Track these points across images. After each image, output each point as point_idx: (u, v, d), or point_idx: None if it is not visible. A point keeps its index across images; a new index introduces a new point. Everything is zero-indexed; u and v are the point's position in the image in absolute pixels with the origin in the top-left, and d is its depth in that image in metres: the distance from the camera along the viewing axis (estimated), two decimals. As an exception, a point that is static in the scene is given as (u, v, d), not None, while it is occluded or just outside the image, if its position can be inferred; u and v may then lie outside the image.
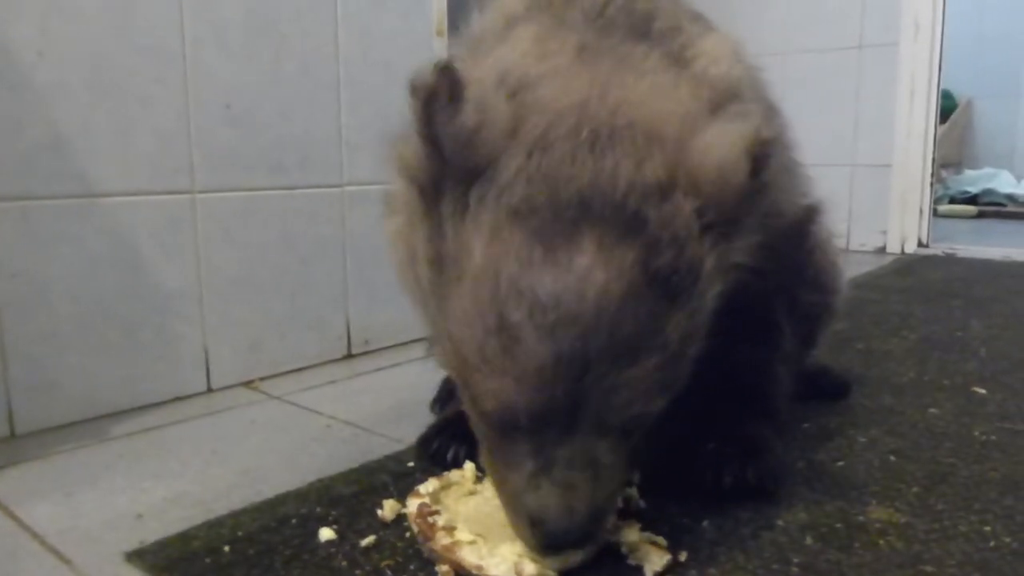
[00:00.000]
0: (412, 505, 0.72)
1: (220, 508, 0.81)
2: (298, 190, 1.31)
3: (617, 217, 0.57)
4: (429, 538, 0.67)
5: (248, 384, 1.25)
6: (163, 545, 0.73)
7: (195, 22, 1.15)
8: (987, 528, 0.74)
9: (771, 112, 0.83)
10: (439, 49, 1.50)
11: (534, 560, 0.63)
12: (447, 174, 0.60)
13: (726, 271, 0.64)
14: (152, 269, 1.14)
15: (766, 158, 0.61)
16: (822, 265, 0.99)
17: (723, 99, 0.68)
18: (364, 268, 1.42)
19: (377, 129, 1.42)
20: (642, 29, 0.73)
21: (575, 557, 0.64)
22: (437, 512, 0.70)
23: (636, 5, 0.76)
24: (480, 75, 0.62)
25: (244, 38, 1.21)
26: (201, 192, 1.18)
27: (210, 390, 1.22)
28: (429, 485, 0.76)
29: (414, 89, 0.58)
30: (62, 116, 1.03)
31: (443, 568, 0.66)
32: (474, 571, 0.64)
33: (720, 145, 0.60)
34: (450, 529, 0.67)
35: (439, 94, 0.57)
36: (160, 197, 1.14)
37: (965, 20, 4.30)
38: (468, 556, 0.65)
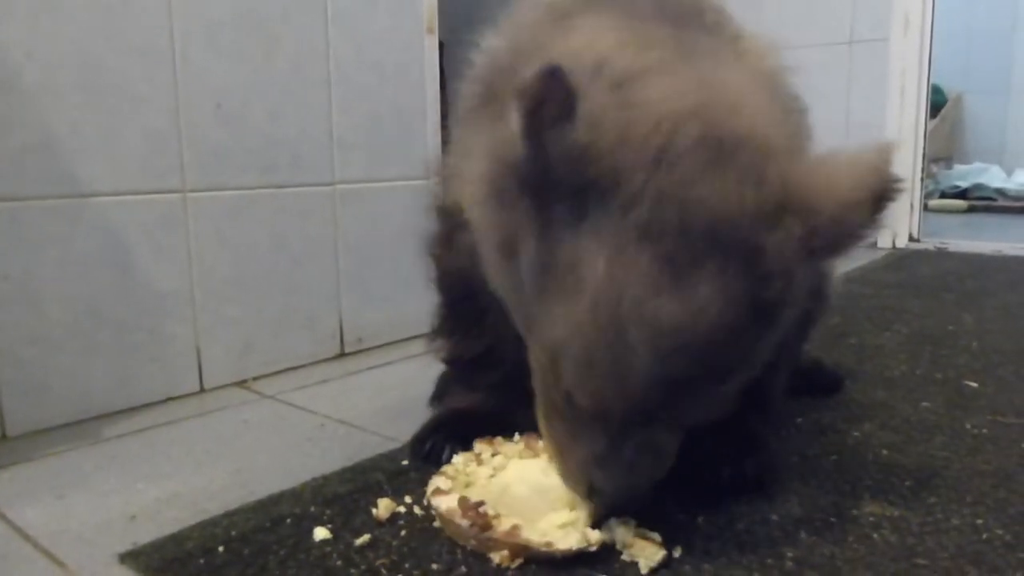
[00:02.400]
0: (443, 503, 0.71)
1: (214, 508, 0.80)
2: (289, 189, 1.30)
3: (739, 246, 0.57)
4: (486, 527, 0.67)
5: (241, 384, 1.25)
6: (157, 546, 0.73)
7: (185, 22, 1.14)
8: (980, 521, 0.75)
9: (803, 112, 0.79)
10: (430, 47, 1.50)
11: (590, 528, 0.68)
12: (560, 181, 0.58)
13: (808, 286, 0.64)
14: (143, 269, 1.13)
15: (890, 202, 0.59)
16: (816, 268, 0.99)
17: (778, 92, 0.68)
18: (356, 267, 1.41)
19: (369, 128, 1.43)
20: (700, 21, 0.72)
21: (596, 534, 0.68)
22: (482, 502, 0.70)
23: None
24: (580, 76, 0.57)
25: (234, 37, 1.20)
26: (192, 191, 1.18)
27: (203, 390, 1.21)
28: (445, 481, 0.76)
29: (521, 94, 0.56)
30: (51, 117, 1.03)
31: (502, 554, 0.66)
32: (543, 549, 0.65)
33: (847, 179, 0.58)
34: (496, 516, 0.68)
35: (549, 104, 0.55)
36: (151, 197, 1.13)
37: (955, 15, 4.31)
38: (533, 537, 0.66)
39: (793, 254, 0.58)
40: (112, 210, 1.09)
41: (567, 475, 0.69)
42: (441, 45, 1.55)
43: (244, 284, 1.25)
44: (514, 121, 0.57)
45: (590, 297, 0.58)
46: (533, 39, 0.71)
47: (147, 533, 0.76)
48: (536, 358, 0.68)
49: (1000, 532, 0.72)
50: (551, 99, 0.55)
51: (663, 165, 0.57)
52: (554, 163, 0.57)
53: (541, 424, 0.72)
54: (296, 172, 1.31)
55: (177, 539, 0.74)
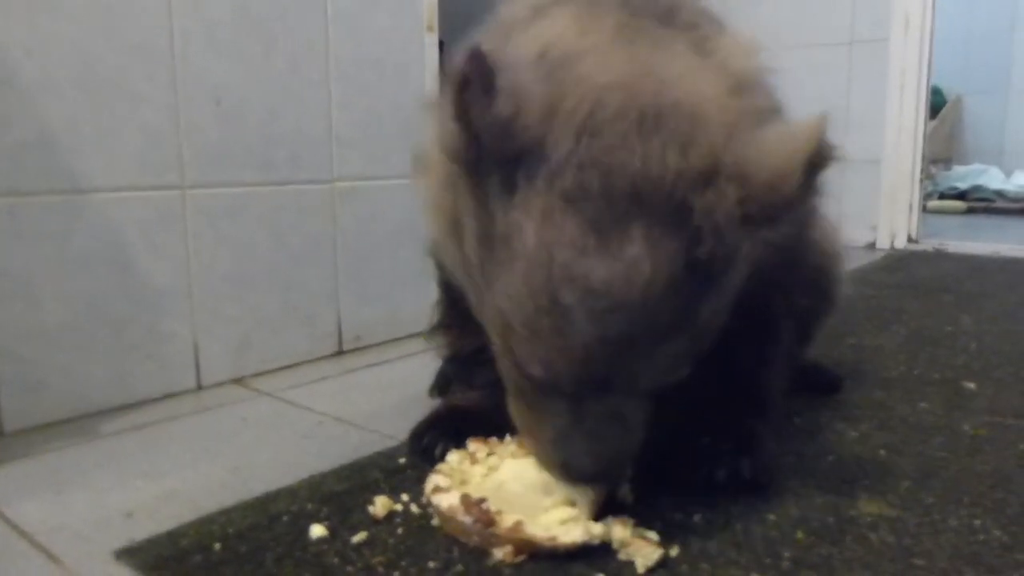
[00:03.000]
0: (444, 501, 0.72)
1: (211, 506, 0.80)
2: (288, 186, 1.30)
3: (665, 207, 0.59)
4: (490, 523, 0.68)
5: (239, 381, 1.25)
6: (153, 543, 0.73)
7: (184, 19, 1.14)
8: (977, 521, 0.75)
9: (779, 112, 0.82)
10: (430, 45, 1.50)
11: (592, 520, 0.69)
12: (489, 157, 0.61)
13: (756, 257, 0.65)
14: (141, 266, 1.13)
15: (822, 172, 0.62)
16: (819, 267, 1.00)
17: (742, 89, 0.69)
18: (355, 264, 1.41)
19: (368, 125, 1.43)
20: (667, 18, 0.74)
21: (598, 528, 0.69)
22: (484, 499, 0.70)
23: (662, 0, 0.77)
24: (514, 56, 0.63)
25: (233, 35, 1.20)
26: (191, 188, 1.17)
27: (200, 387, 1.21)
28: (444, 479, 0.76)
29: (447, 76, 0.60)
30: (50, 113, 1.02)
31: (505, 550, 0.67)
32: (547, 543, 0.66)
33: (781, 147, 0.61)
34: (498, 512, 0.69)
35: (472, 81, 0.58)
36: (149, 193, 1.13)
37: (955, 17, 4.32)
38: (538, 532, 0.67)
39: (725, 217, 0.60)
40: (110, 206, 1.09)
41: (539, 455, 0.71)
42: (441, 44, 1.55)
43: (242, 281, 1.25)
44: (447, 104, 0.61)
45: (524, 264, 0.60)
46: (507, 36, 0.73)
47: (144, 530, 0.75)
48: (493, 340, 0.69)
49: (998, 533, 0.72)
50: (474, 77, 0.58)
51: (586, 134, 0.59)
52: (481, 137, 0.60)
53: (511, 409, 0.73)
54: (295, 169, 1.31)
55: (174, 536, 0.74)
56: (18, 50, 0.99)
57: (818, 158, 0.60)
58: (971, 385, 1.17)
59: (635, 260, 0.58)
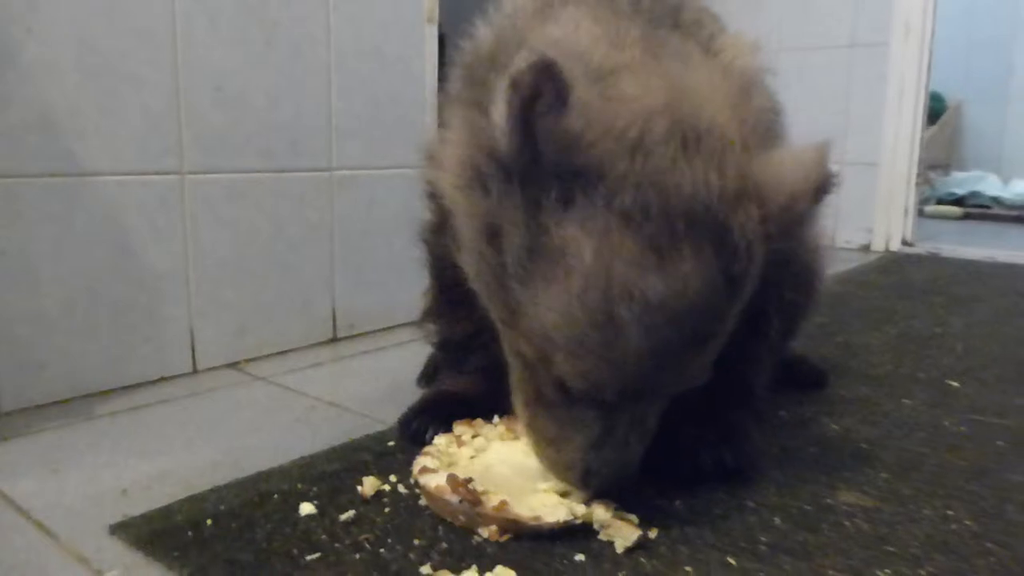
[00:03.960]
0: (431, 481, 0.73)
1: (203, 485, 0.82)
2: (287, 174, 1.32)
3: (710, 226, 0.63)
4: (476, 503, 0.69)
5: (234, 366, 1.26)
6: (146, 519, 0.74)
7: (186, 5, 1.15)
8: (951, 512, 0.76)
9: (777, 112, 0.86)
10: (430, 37, 1.51)
11: (579, 502, 0.71)
12: (547, 170, 0.62)
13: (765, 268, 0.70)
14: (140, 250, 1.15)
15: (828, 193, 0.68)
16: (807, 265, 1.01)
17: (748, 91, 0.73)
18: (351, 253, 1.43)
19: (367, 115, 1.44)
20: (675, 20, 0.77)
21: (581, 508, 0.71)
22: (471, 479, 0.72)
23: None
24: (569, 70, 0.62)
25: (235, 21, 1.22)
26: (190, 173, 1.19)
27: (196, 371, 1.23)
28: (432, 460, 0.77)
29: (515, 85, 0.59)
30: (50, 94, 1.04)
31: (491, 529, 0.69)
32: (531, 524, 0.68)
33: (793, 172, 0.67)
34: (484, 492, 0.71)
35: (544, 93, 0.59)
36: (149, 177, 1.15)
37: (956, 24, 4.33)
38: (523, 512, 0.69)
39: (753, 234, 0.65)
40: (110, 190, 1.11)
41: (559, 464, 0.72)
42: (443, 37, 1.56)
43: (239, 267, 1.27)
44: (502, 110, 0.61)
45: (580, 280, 0.62)
46: (515, 29, 0.75)
47: (138, 507, 0.77)
48: (519, 349, 0.70)
49: (969, 523, 0.74)
50: (546, 90, 0.59)
51: (640, 155, 0.62)
52: (545, 151, 0.61)
53: (524, 418, 0.74)
54: (294, 157, 1.32)
55: (166, 512, 0.75)
56: (20, 28, 1.00)
57: (825, 185, 0.67)
58: (955, 384, 1.19)
59: (687, 276, 0.61)
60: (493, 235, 0.67)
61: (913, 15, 2.57)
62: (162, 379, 1.19)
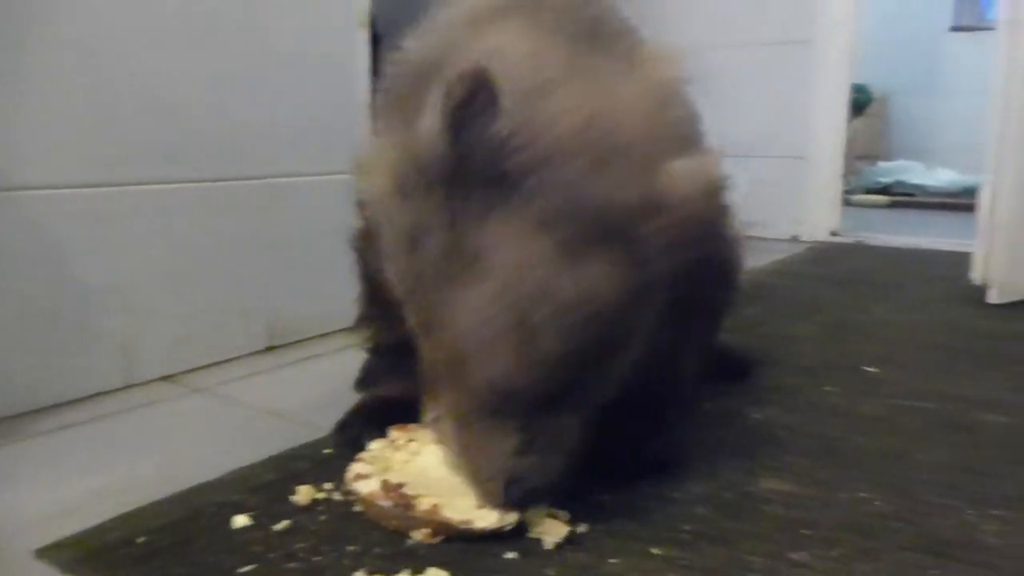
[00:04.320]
0: (364, 487, 0.74)
1: (137, 501, 0.81)
2: (223, 182, 1.31)
3: (619, 234, 0.66)
4: (408, 507, 0.71)
5: (170, 378, 1.25)
6: (76, 540, 0.73)
7: (118, 12, 1.14)
8: (863, 494, 0.81)
9: (697, 121, 0.88)
10: (362, 43, 1.51)
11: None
12: (471, 176, 0.64)
13: (672, 277, 0.73)
14: (72, 263, 1.13)
15: (717, 197, 0.74)
16: (727, 260, 1.05)
17: (667, 102, 0.76)
18: (287, 260, 1.42)
19: (302, 122, 1.44)
20: (596, 35, 0.79)
21: (512, 515, 0.71)
22: (403, 484, 0.73)
23: (588, 11, 0.82)
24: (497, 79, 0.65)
25: (164, 29, 1.20)
26: (123, 185, 1.17)
27: (131, 385, 1.21)
28: (365, 467, 0.78)
29: (449, 90, 0.62)
30: (-31, 109, 1.01)
31: (423, 532, 0.70)
32: (461, 526, 0.69)
33: (683, 181, 0.69)
34: (416, 496, 0.72)
35: (476, 99, 0.62)
36: (81, 191, 1.13)
37: (883, 19, 4.50)
38: (453, 515, 0.70)
39: (661, 243, 0.68)
40: (41, 203, 1.08)
41: (479, 475, 0.71)
42: (378, 38, 1.57)
43: (174, 278, 1.26)
44: (433, 115, 0.64)
45: (494, 283, 0.64)
46: (447, 43, 0.77)
47: (67, 528, 0.76)
48: (437, 358, 0.71)
49: (879, 504, 0.79)
50: (478, 96, 0.62)
51: (557, 165, 0.65)
52: (473, 155, 0.64)
53: (445, 430, 0.74)
54: (229, 166, 1.31)
55: (98, 532, 0.75)
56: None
57: (715, 189, 0.72)
58: (875, 370, 1.25)
59: (597, 280, 0.64)
60: (414, 242, 0.69)
61: (837, 12, 2.66)
62: (97, 394, 1.17)
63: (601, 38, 0.79)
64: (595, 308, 0.64)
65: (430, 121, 0.64)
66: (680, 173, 0.70)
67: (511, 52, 0.71)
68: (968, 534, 0.73)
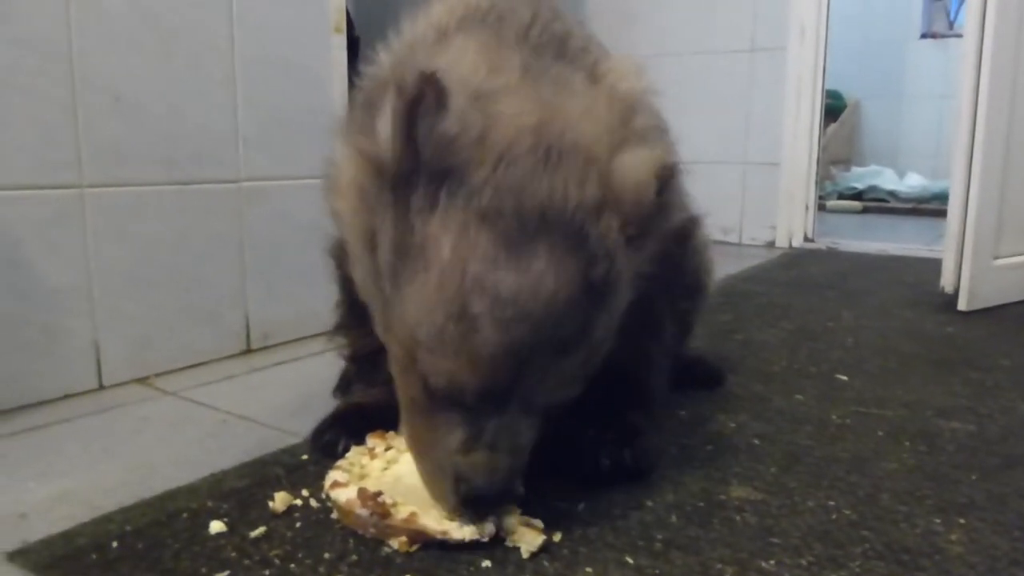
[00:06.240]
0: (342, 495, 0.75)
1: (109, 505, 0.81)
2: (192, 185, 1.30)
3: (567, 231, 0.66)
4: (386, 515, 0.71)
5: (142, 381, 1.24)
6: (47, 543, 0.73)
7: (80, 13, 1.13)
8: (832, 503, 0.82)
9: (663, 131, 0.90)
10: (337, 47, 1.51)
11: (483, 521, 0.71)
12: (420, 172, 0.67)
13: (636, 278, 0.74)
14: (37, 265, 1.11)
15: (669, 180, 0.72)
16: (697, 269, 1.07)
17: (631, 112, 0.78)
18: (263, 264, 1.42)
19: (275, 125, 1.43)
20: (561, 48, 0.82)
21: (489, 527, 0.71)
22: (380, 492, 0.73)
23: (554, 26, 0.84)
24: (449, 83, 0.67)
25: (132, 30, 1.19)
26: (89, 187, 1.16)
27: (102, 387, 1.20)
28: (342, 474, 0.78)
29: (400, 91, 0.65)
30: (-63, 108, 1.00)
31: (400, 540, 0.70)
32: (439, 536, 0.70)
33: (635, 169, 0.70)
34: (394, 504, 0.72)
35: (426, 98, 0.64)
36: (45, 192, 1.11)
37: (853, 25, 4.56)
38: (430, 524, 0.70)
39: (614, 242, 0.69)
40: (3, 206, 1.07)
41: (430, 471, 0.72)
42: (357, 40, 1.56)
43: (145, 280, 1.24)
44: (386, 116, 0.67)
45: (437, 275, 0.66)
46: (412, 56, 0.79)
47: (38, 531, 0.76)
48: (394, 354, 0.73)
49: (847, 512, 0.80)
50: (428, 95, 0.65)
51: (503, 164, 0.67)
52: (422, 152, 0.66)
53: (403, 427, 0.76)
54: (199, 168, 1.30)
55: (69, 536, 0.74)
56: (-97, 43, 0.96)
57: (663, 172, 0.71)
58: (844, 377, 1.27)
59: (540, 274, 0.65)
60: (372, 242, 0.71)
61: (808, 19, 2.70)
62: (66, 396, 1.16)
63: (567, 52, 0.82)
64: (538, 304, 0.64)
65: (384, 122, 0.67)
66: (631, 162, 0.70)
67: (468, 61, 0.74)
68: (933, 543, 0.74)
